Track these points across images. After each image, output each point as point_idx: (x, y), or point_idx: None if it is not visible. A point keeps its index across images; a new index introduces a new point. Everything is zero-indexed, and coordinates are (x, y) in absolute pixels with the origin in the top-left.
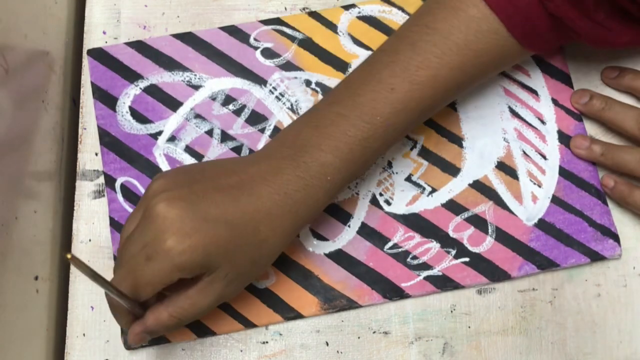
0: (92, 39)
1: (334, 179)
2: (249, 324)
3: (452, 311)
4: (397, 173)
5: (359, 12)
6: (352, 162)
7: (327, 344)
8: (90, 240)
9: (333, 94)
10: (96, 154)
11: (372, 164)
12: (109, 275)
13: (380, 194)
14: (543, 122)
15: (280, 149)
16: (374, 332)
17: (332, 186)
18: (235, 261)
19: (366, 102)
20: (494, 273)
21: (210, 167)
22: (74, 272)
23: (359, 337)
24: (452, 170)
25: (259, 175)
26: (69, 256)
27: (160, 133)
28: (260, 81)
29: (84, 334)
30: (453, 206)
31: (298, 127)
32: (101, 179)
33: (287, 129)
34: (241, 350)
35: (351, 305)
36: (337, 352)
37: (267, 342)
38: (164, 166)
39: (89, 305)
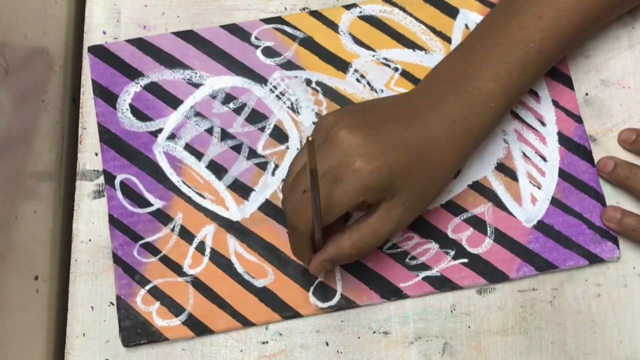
0: (92, 39)
1: (497, 106)
2: (247, 323)
3: (452, 311)
4: None
5: (360, 12)
6: (512, 88)
7: (327, 344)
8: (90, 240)
9: (477, 31)
10: (96, 154)
11: (529, 88)
12: (109, 275)
13: None
14: (543, 124)
15: (438, 84)
16: (374, 332)
17: (495, 114)
18: (414, 187)
19: (517, 32)
20: (492, 274)
21: (374, 102)
22: (74, 272)
23: (359, 337)
24: None
25: (426, 105)
26: (310, 139)
27: (160, 131)
28: (261, 80)
29: (84, 334)
30: (452, 207)
31: (449, 64)
32: (101, 179)
33: (437, 67)
34: (241, 350)
35: (349, 305)
36: (337, 352)
37: (267, 342)
38: (164, 164)
39: (89, 305)
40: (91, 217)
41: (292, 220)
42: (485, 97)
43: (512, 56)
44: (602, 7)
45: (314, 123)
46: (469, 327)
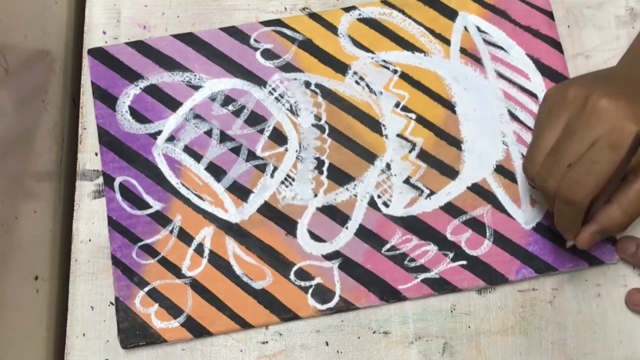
0: (92, 39)
1: None
2: (245, 325)
3: (452, 311)
4: (395, 175)
5: (360, 14)
6: None
7: (327, 344)
8: (90, 240)
9: None
10: (96, 154)
11: None
12: (109, 275)
13: (379, 196)
14: None
15: None
16: (374, 332)
17: None
18: None
19: None
20: (491, 276)
21: (602, 71)
22: (74, 272)
23: (359, 337)
24: (451, 173)
25: None
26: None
27: (159, 133)
28: (260, 82)
29: (84, 334)
30: (451, 209)
31: None
32: (101, 179)
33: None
34: (241, 350)
35: (348, 307)
36: (337, 352)
37: (267, 342)
38: (163, 166)
39: (89, 305)
40: (91, 217)
41: (570, 194)
42: None
43: None
44: None
45: (313, 125)
46: (469, 327)
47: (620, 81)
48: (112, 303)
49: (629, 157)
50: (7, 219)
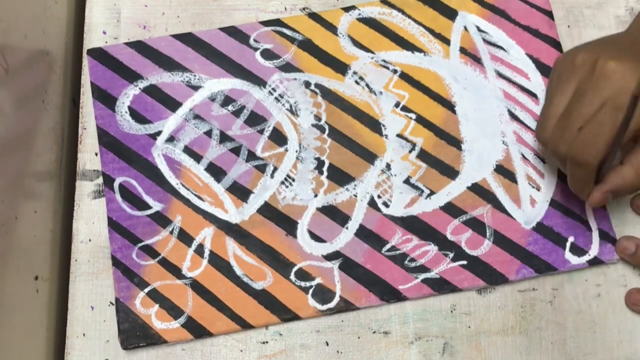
0: (92, 39)
1: None
2: (246, 325)
3: (452, 311)
4: (395, 175)
5: (359, 14)
6: None
7: (327, 344)
8: (90, 240)
9: None
10: (96, 154)
11: None
12: (109, 275)
13: (379, 196)
14: None
15: None
16: (374, 332)
17: None
18: None
19: None
20: (491, 276)
21: (608, 37)
22: (74, 272)
23: (359, 337)
24: (451, 173)
25: None
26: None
27: (159, 133)
28: (260, 82)
29: (84, 334)
30: (451, 209)
31: None
32: (101, 179)
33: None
34: (241, 350)
35: (348, 307)
36: (337, 352)
37: (267, 342)
38: (163, 167)
39: (89, 305)
40: (91, 217)
41: (580, 155)
42: None
43: None
44: None
45: (312, 125)
46: (469, 327)
47: (627, 45)
48: (112, 303)
49: (629, 114)
50: (7, 219)
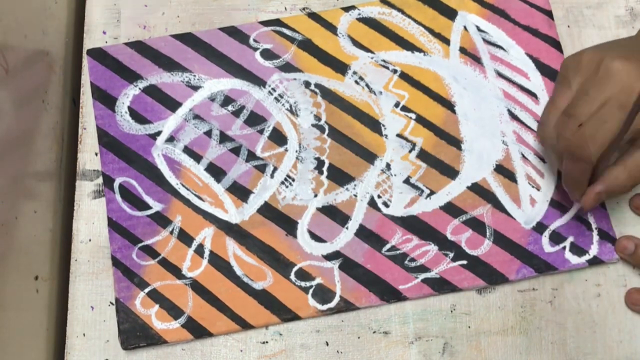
0: (92, 39)
1: None
2: (246, 325)
3: (452, 311)
4: (395, 175)
5: (359, 14)
6: None
7: (327, 344)
8: (90, 240)
9: None
10: (96, 154)
11: None
12: (109, 275)
13: (379, 196)
14: None
15: None
16: (374, 332)
17: None
18: None
19: None
20: (491, 276)
21: (617, 40)
22: (74, 272)
23: (359, 337)
24: (451, 172)
25: None
26: None
27: (159, 133)
28: (260, 82)
29: (84, 334)
30: (451, 209)
31: None
32: (101, 179)
33: None
34: (241, 350)
35: (348, 307)
36: (337, 352)
37: (267, 342)
38: (163, 167)
39: (89, 305)
40: (91, 217)
41: (579, 151)
42: None
43: None
44: None
45: (312, 125)
46: (469, 327)
47: (634, 47)
48: (112, 303)
49: (633, 114)
50: (7, 219)
